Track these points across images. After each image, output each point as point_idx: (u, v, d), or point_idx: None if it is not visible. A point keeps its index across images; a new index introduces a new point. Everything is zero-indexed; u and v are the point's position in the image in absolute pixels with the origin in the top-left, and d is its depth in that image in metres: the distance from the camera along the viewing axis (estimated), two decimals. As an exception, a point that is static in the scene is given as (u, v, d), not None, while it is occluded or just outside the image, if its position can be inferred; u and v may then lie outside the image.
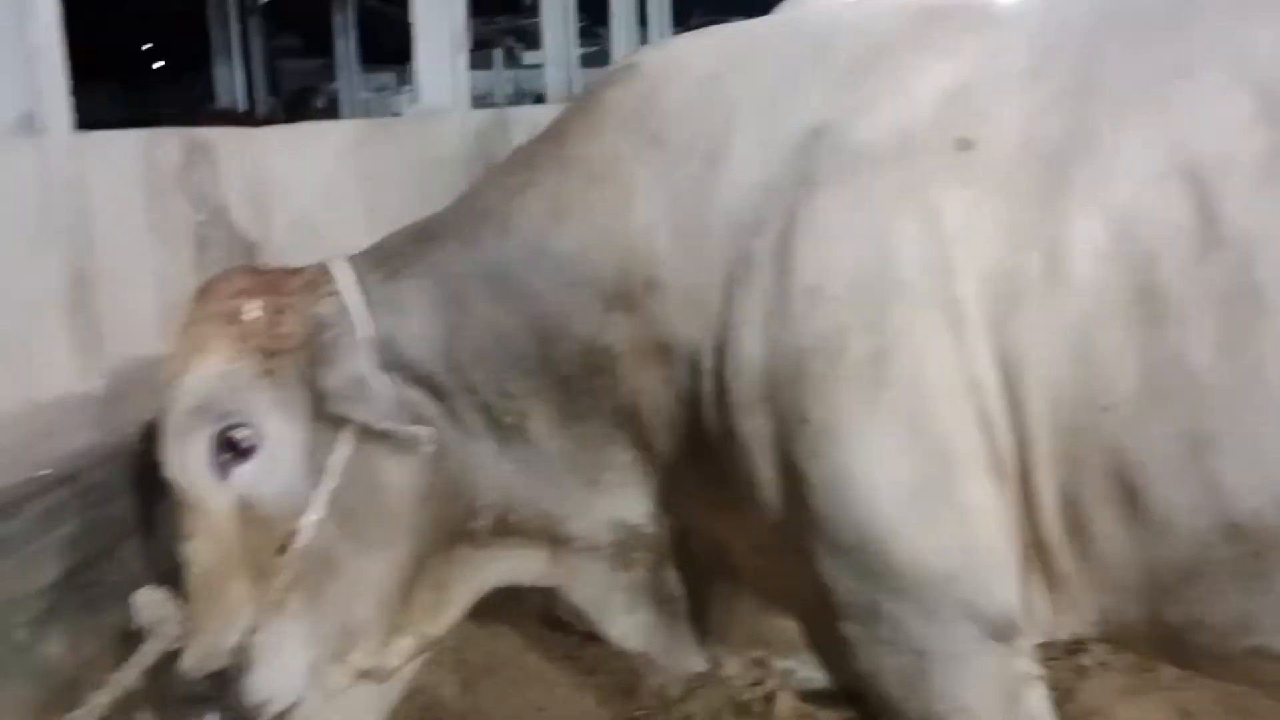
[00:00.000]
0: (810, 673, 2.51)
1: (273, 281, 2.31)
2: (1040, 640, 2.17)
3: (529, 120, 16.23)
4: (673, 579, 2.51)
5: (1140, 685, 3.91)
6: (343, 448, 2.18)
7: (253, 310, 2.21)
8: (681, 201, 2.18)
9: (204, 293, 2.30)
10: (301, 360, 2.19)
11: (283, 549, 2.15)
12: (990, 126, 2.04)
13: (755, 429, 2.08)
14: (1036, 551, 2.03)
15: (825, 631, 2.21)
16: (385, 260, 2.36)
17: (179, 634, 2.20)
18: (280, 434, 2.19)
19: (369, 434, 2.18)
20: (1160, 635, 2.05)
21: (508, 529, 2.38)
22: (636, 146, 2.25)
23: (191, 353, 2.20)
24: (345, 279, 2.30)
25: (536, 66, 16.04)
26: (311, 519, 2.15)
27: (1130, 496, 1.89)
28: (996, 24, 2.22)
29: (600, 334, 2.23)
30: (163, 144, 4.94)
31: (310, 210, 7.27)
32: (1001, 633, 2.04)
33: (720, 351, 2.12)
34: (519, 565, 2.47)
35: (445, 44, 11.18)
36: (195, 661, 2.17)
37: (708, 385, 2.15)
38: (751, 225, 2.10)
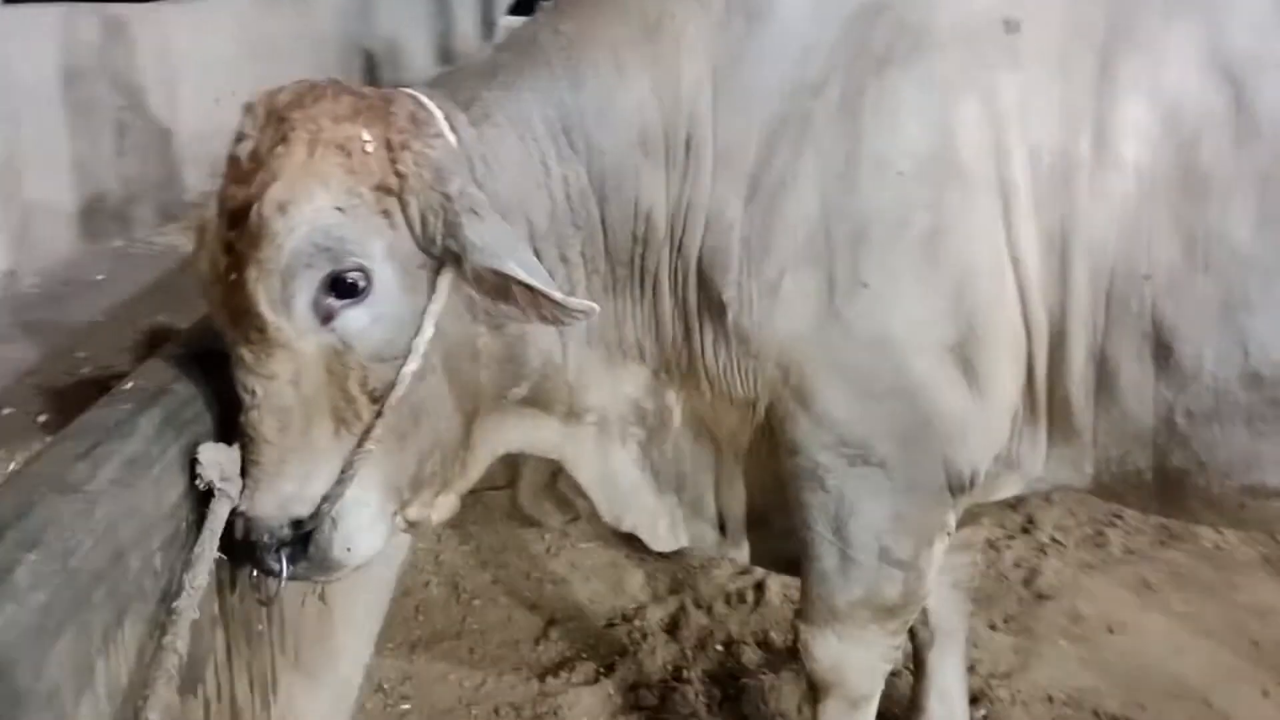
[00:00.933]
0: (768, 548, 2.61)
1: (375, 108, 2.06)
2: (1019, 492, 2.44)
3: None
4: (664, 458, 2.54)
5: (1097, 560, 4.14)
6: (439, 299, 2.06)
7: (371, 143, 2.00)
8: (724, 58, 2.19)
9: (299, 107, 2.02)
10: (417, 204, 2.02)
11: (375, 397, 2.03)
12: (1035, 9, 2.15)
13: (796, 285, 2.16)
14: (1052, 410, 2.23)
15: (788, 481, 2.35)
16: (468, 104, 2.18)
17: (249, 485, 2.03)
18: (387, 280, 2.02)
19: (459, 288, 2.08)
20: (1159, 480, 2.25)
21: (535, 398, 2.35)
22: (686, 4, 2.23)
23: (302, 179, 1.95)
24: (443, 121, 2.12)
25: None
26: (410, 369, 2.03)
27: (1162, 352, 2.09)
28: None
29: (644, 196, 2.22)
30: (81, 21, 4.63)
31: (215, 90, 6.90)
32: (957, 489, 2.30)
33: (752, 209, 2.17)
34: (534, 434, 2.44)
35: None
36: (275, 509, 2.02)
37: (729, 243, 2.19)
38: (805, 86, 2.15)
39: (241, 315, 1.97)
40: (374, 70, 12.53)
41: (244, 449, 2.03)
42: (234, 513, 2.01)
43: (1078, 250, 2.09)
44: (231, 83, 7.02)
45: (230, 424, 2.09)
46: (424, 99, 2.13)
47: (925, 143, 2.10)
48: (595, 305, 2.05)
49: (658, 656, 3.57)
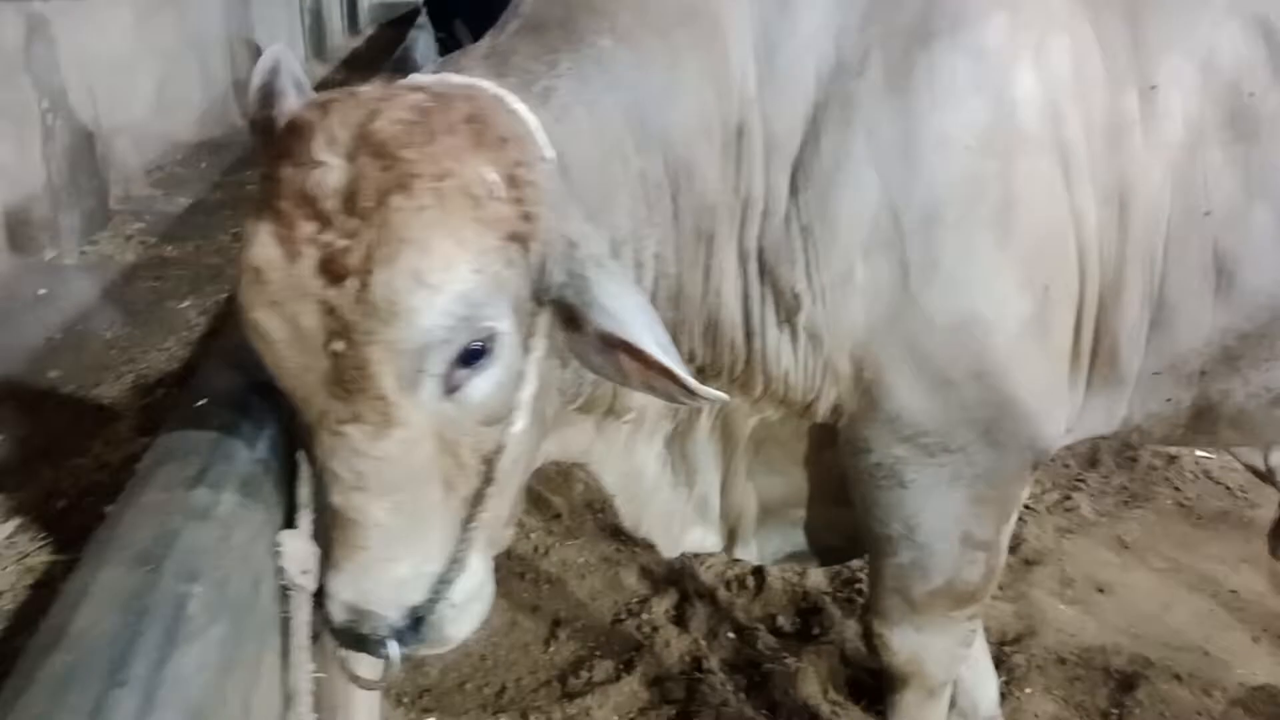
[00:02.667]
0: (779, 544, 2.65)
1: (483, 131, 1.77)
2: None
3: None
4: (682, 456, 2.52)
5: (1072, 524, 4.27)
6: (538, 347, 1.86)
7: (497, 184, 1.72)
8: (761, 42, 2.11)
9: (413, 146, 1.68)
10: (539, 248, 1.78)
11: (485, 460, 1.83)
12: None
13: (870, 274, 2.10)
14: (1096, 359, 2.27)
15: (856, 482, 2.33)
16: (546, 98, 1.95)
17: (349, 571, 1.78)
18: (508, 338, 1.79)
19: (552, 332, 1.88)
20: (1194, 410, 2.37)
21: (581, 406, 2.22)
22: None
23: (439, 242, 1.65)
24: (537, 128, 1.88)
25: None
26: (518, 428, 1.84)
27: (1224, 281, 2.20)
28: None
29: (711, 188, 2.11)
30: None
31: (117, 88, 6.63)
32: (1038, 463, 2.32)
33: (806, 197, 2.10)
34: (568, 440, 2.35)
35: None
36: (390, 598, 1.79)
37: (790, 235, 2.12)
38: (843, 67, 2.09)
39: (353, 394, 1.69)
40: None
41: (338, 532, 1.78)
42: (323, 597, 1.81)
43: (1136, 201, 2.15)
44: (127, 82, 6.79)
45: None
46: (511, 101, 1.89)
47: (987, 114, 2.08)
48: (726, 395, 1.90)
49: (673, 649, 3.55)
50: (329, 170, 1.67)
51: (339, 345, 1.65)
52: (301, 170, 1.68)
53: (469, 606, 1.89)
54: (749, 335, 2.22)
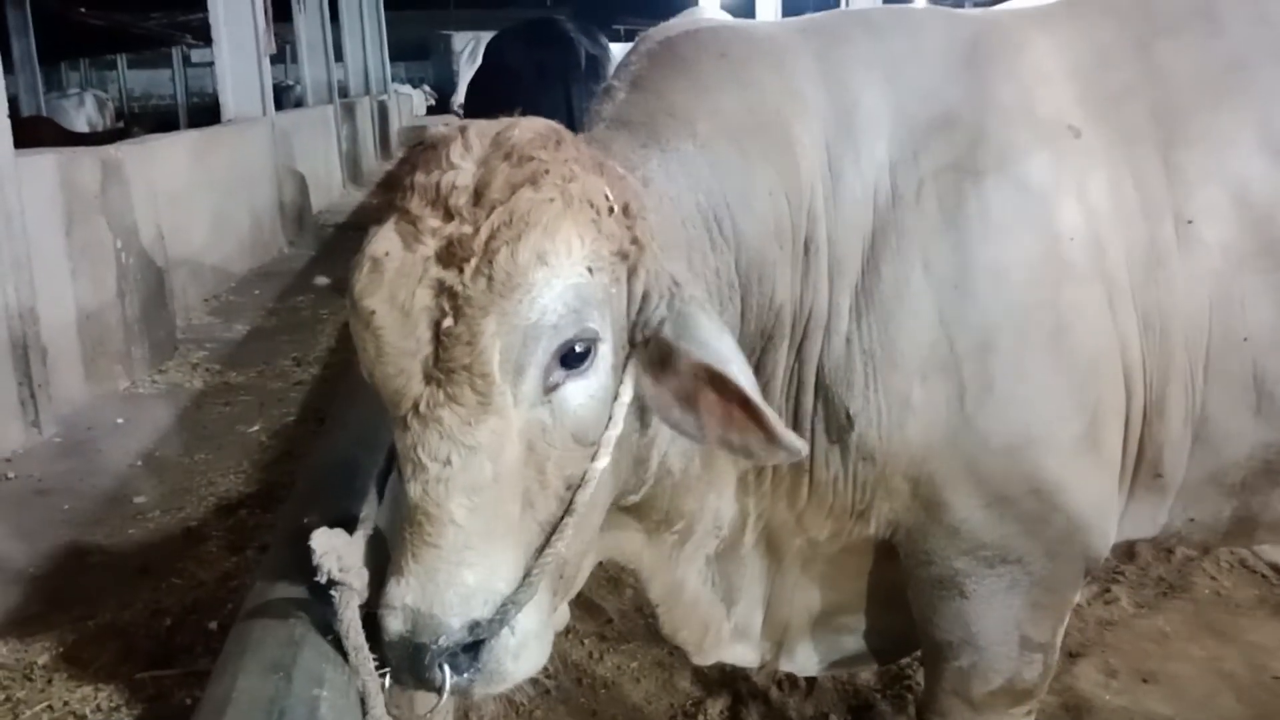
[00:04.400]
0: (825, 653, 2.72)
1: (608, 165, 1.91)
2: None
3: (311, 121, 15.91)
4: (724, 574, 2.57)
5: (1113, 616, 4.36)
6: (628, 390, 1.88)
7: (613, 204, 1.81)
8: (830, 163, 2.23)
9: (546, 149, 1.82)
10: (643, 279, 1.87)
11: (569, 485, 1.83)
12: (1086, 112, 2.32)
13: (928, 397, 2.19)
14: (1139, 471, 2.39)
15: (917, 592, 2.43)
16: (645, 183, 2.05)
17: (414, 573, 1.75)
18: (605, 355, 1.83)
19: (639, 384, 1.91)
20: (1234, 517, 2.48)
21: (638, 504, 2.24)
22: (788, 100, 2.25)
23: (564, 230, 1.74)
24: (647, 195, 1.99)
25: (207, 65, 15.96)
26: (601, 464, 1.85)
27: (1264, 401, 2.32)
28: (1054, 20, 2.51)
29: (779, 293, 2.19)
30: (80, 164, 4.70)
31: (179, 221, 6.98)
32: (1092, 570, 2.44)
33: (869, 321, 2.20)
34: (623, 542, 2.38)
35: (251, 51, 10.83)
36: (456, 606, 1.73)
37: (851, 356, 2.21)
38: (902, 198, 2.22)
39: (457, 371, 1.71)
40: (305, 192, 12.64)
41: (411, 531, 1.76)
42: (382, 609, 1.77)
43: (1175, 326, 2.28)
44: (187, 217, 7.14)
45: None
46: (625, 174, 2.00)
47: (1036, 247, 2.21)
48: (805, 445, 1.91)
49: (729, 748, 3.66)
50: (461, 173, 1.77)
51: (449, 322, 1.70)
52: (433, 174, 1.77)
53: (529, 644, 1.83)
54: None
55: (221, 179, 8.40)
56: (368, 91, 23.77)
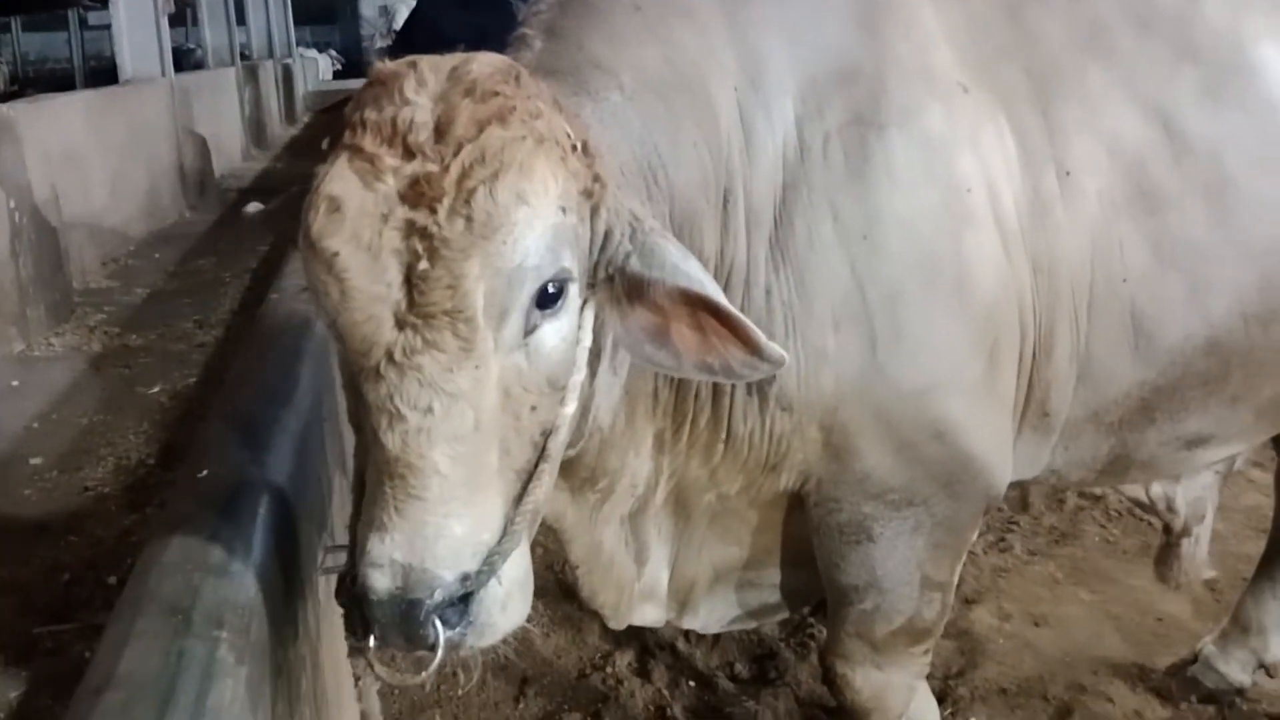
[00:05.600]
0: (724, 610, 2.79)
1: (558, 102, 1.87)
2: None
3: (212, 84, 15.68)
4: (636, 534, 2.59)
5: (1007, 563, 4.53)
6: (586, 334, 1.87)
7: (575, 141, 1.80)
8: (743, 118, 2.26)
9: (509, 84, 1.78)
10: (605, 217, 1.86)
11: (545, 433, 1.82)
12: (969, 72, 2.40)
13: (841, 346, 2.25)
14: (1028, 410, 2.50)
15: (824, 539, 2.49)
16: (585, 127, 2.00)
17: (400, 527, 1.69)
18: (574, 295, 1.82)
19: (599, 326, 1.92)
20: (1110, 454, 2.61)
21: (566, 463, 2.16)
22: (704, 56, 2.27)
23: (540, 167, 1.71)
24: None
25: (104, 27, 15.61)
26: (569, 410, 1.85)
27: (1141, 340, 2.44)
28: None
29: (707, 246, 2.22)
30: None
31: (75, 182, 6.80)
32: (991, 508, 2.56)
33: (785, 274, 2.25)
34: (554, 501, 2.31)
35: (149, 12, 10.56)
36: (447, 558, 1.69)
37: (771, 308, 2.25)
38: (810, 152, 2.26)
39: (437, 317, 1.66)
40: (206, 156, 12.38)
41: (391, 484, 1.70)
42: (364, 567, 1.70)
43: (1061, 270, 2.39)
44: (82, 177, 6.96)
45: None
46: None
47: (939, 197, 2.30)
48: (788, 355, 1.93)
49: (637, 699, 3.72)
50: (419, 108, 1.70)
51: (425, 265, 1.63)
52: (387, 110, 1.70)
53: (515, 594, 1.81)
54: (716, 394, 2.33)
55: (118, 141, 8.20)
56: (271, 55, 23.29)
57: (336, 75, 36.59)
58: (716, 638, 4.03)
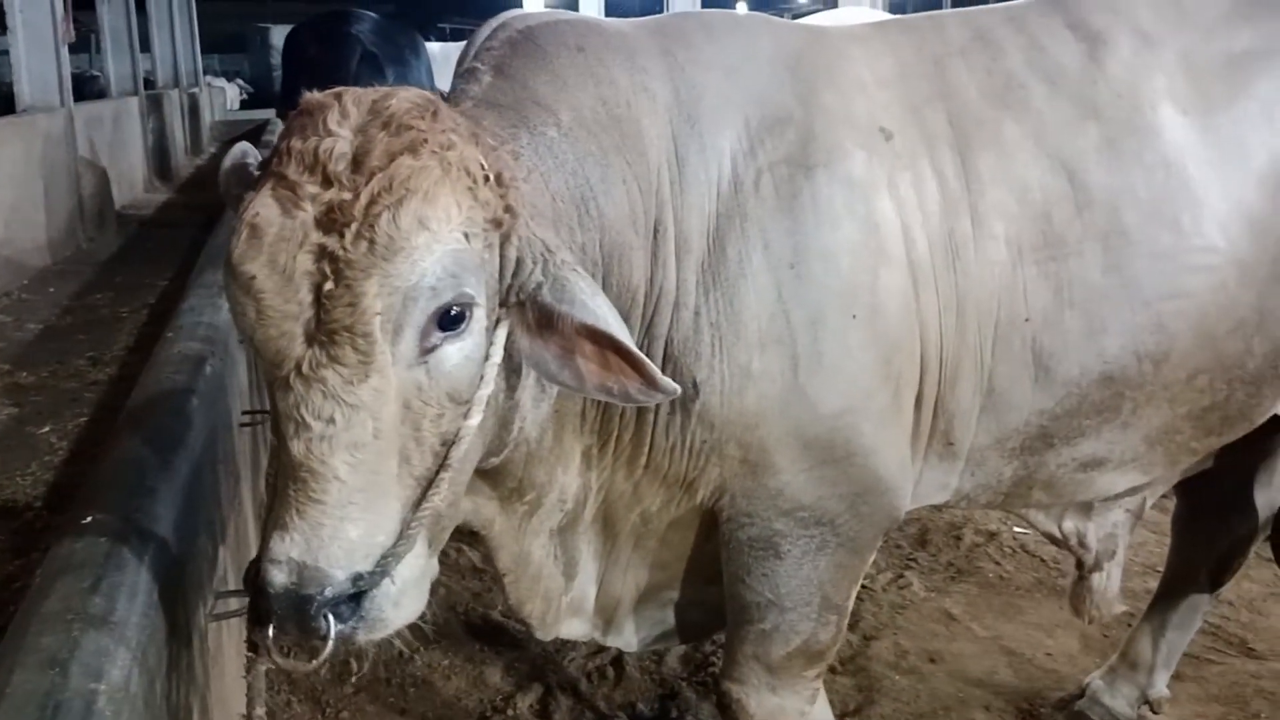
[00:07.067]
0: (649, 629, 2.87)
1: (476, 134, 2.01)
2: None
3: (114, 114, 15.45)
4: (565, 548, 2.67)
5: (905, 600, 4.61)
6: (498, 352, 2.00)
7: (488, 173, 1.92)
8: (672, 153, 2.42)
9: (424, 118, 1.92)
10: (516, 246, 1.98)
11: (445, 442, 1.95)
12: (895, 118, 2.58)
13: (765, 366, 2.39)
14: (933, 439, 2.64)
15: (734, 554, 2.58)
16: (515, 156, 2.15)
17: (299, 528, 1.82)
18: (480, 318, 1.94)
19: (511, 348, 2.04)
20: (1013, 477, 2.75)
21: (496, 470, 2.35)
22: (638, 95, 2.42)
23: (444, 196, 1.85)
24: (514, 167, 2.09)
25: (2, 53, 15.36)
26: (473, 422, 1.96)
27: (1041, 372, 2.59)
28: (865, 37, 2.76)
29: (636, 274, 2.35)
30: None
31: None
32: (890, 530, 2.69)
33: (715, 297, 2.38)
34: (480, 509, 2.48)
35: (48, 39, 10.34)
36: (340, 558, 1.82)
37: (699, 329, 2.38)
38: (742, 185, 2.42)
39: (339, 333, 1.81)
40: (106, 188, 12.13)
41: (294, 488, 1.84)
42: (264, 562, 1.83)
43: (969, 309, 2.53)
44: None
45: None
46: (493, 140, 2.11)
47: (858, 234, 2.45)
48: (679, 387, 2.06)
49: (539, 741, 3.72)
50: (339, 140, 1.86)
51: (331, 285, 1.79)
52: (311, 141, 1.85)
53: (409, 592, 1.96)
54: (640, 410, 2.44)
55: (14, 172, 8.02)
56: (177, 84, 22.92)
57: (244, 105, 36.24)
58: (619, 678, 4.04)
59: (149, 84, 20.13)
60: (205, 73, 29.61)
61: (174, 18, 23.84)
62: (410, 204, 1.81)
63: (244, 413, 3.66)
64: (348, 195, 1.80)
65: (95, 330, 7.66)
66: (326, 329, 1.80)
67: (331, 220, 1.80)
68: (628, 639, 2.87)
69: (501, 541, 2.57)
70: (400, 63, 9.29)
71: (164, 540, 2.20)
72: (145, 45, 20.72)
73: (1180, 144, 2.59)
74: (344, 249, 1.78)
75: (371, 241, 1.78)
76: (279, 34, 26.47)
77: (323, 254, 1.79)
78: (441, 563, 3.02)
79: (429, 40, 15.34)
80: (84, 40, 19.96)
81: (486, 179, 1.94)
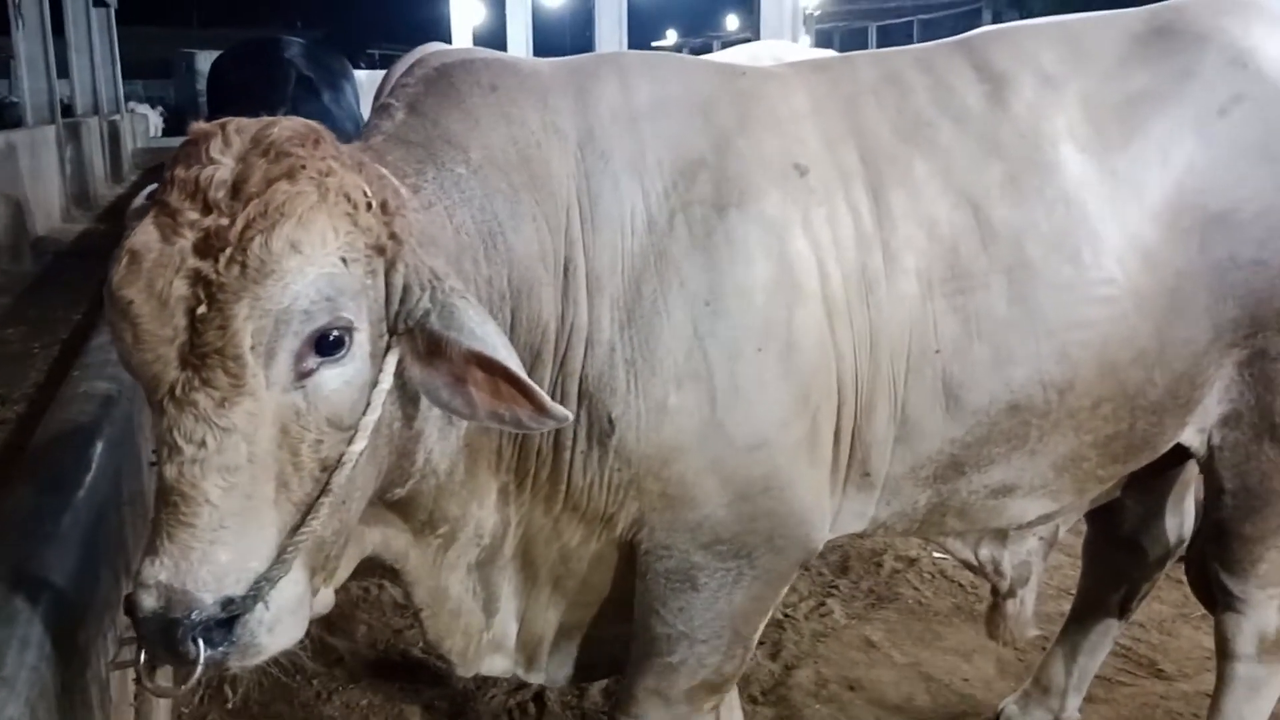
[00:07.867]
0: (570, 666, 2.86)
1: (367, 166, 2.05)
2: None
3: (30, 142, 15.19)
4: (485, 584, 2.67)
5: (826, 628, 4.64)
6: (387, 378, 2.00)
7: (371, 200, 1.94)
8: (584, 192, 2.45)
9: (304, 145, 1.94)
10: (402, 273, 1.99)
11: (324, 467, 1.94)
12: (810, 154, 2.62)
13: (682, 401, 2.42)
14: (850, 469, 2.67)
15: (650, 586, 2.60)
16: (415, 189, 2.21)
17: (169, 551, 1.81)
18: (362, 344, 1.95)
19: (399, 372, 2.04)
20: (928, 504, 2.79)
21: (403, 501, 2.35)
22: (549, 136, 2.46)
23: (317, 221, 1.87)
24: (409, 199, 2.13)
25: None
26: (357, 448, 1.96)
27: (952, 401, 2.64)
28: (780, 76, 2.81)
29: (545, 311, 2.38)
30: None
31: None
32: (806, 562, 2.71)
33: (630, 333, 2.41)
34: (390, 541, 2.47)
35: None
36: (209, 583, 1.81)
37: (614, 365, 2.41)
38: (656, 225, 2.46)
39: (210, 355, 1.82)
40: (20, 218, 11.88)
41: (166, 512, 1.84)
42: (136, 584, 1.82)
43: (883, 341, 2.57)
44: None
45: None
46: (387, 173, 2.14)
47: (772, 272, 2.48)
48: (570, 414, 2.10)
49: (456, 785, 3.68)
50: (220, 168, 1.89)
51: (203, 309, 1.81)
52: (193, 169, 1.89)
53: (284, 618, 1.92)
54: (557, 447, 2.47)
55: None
56: (97, 110, 22.56)
57: (166, 131, 35.74)
58: (541, 713, 4.01)
59: (68, 110, 19.78)
60: (128, 99, 29.15)
61: (94, 43, 23.49)
62: (283, 228, 1.83)
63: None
64: (225, 221, 1.83)
65: (5, 366, 7.52)
66: (199, 352, 1.82)
67: (208, 246, 1.82)
68: (550, 675, 2.86)
69: (417, 576, 2.56)
70: (334, 87, 9.28)
71: (60, 589, 2.15)
72: (63, 70, 20.36)
73: (1080, 180, 2.66)
74: (217, 272, 1.81)
75: (243, 265, 1.81)
76: (205, 59, 26.19)
77: (197, 278, 1.82)
78: (362, 600, 3.03)
79: (358, 68, 15.27)
80: (4, 65, 19.57)
81: (369, 205, 1.95)
